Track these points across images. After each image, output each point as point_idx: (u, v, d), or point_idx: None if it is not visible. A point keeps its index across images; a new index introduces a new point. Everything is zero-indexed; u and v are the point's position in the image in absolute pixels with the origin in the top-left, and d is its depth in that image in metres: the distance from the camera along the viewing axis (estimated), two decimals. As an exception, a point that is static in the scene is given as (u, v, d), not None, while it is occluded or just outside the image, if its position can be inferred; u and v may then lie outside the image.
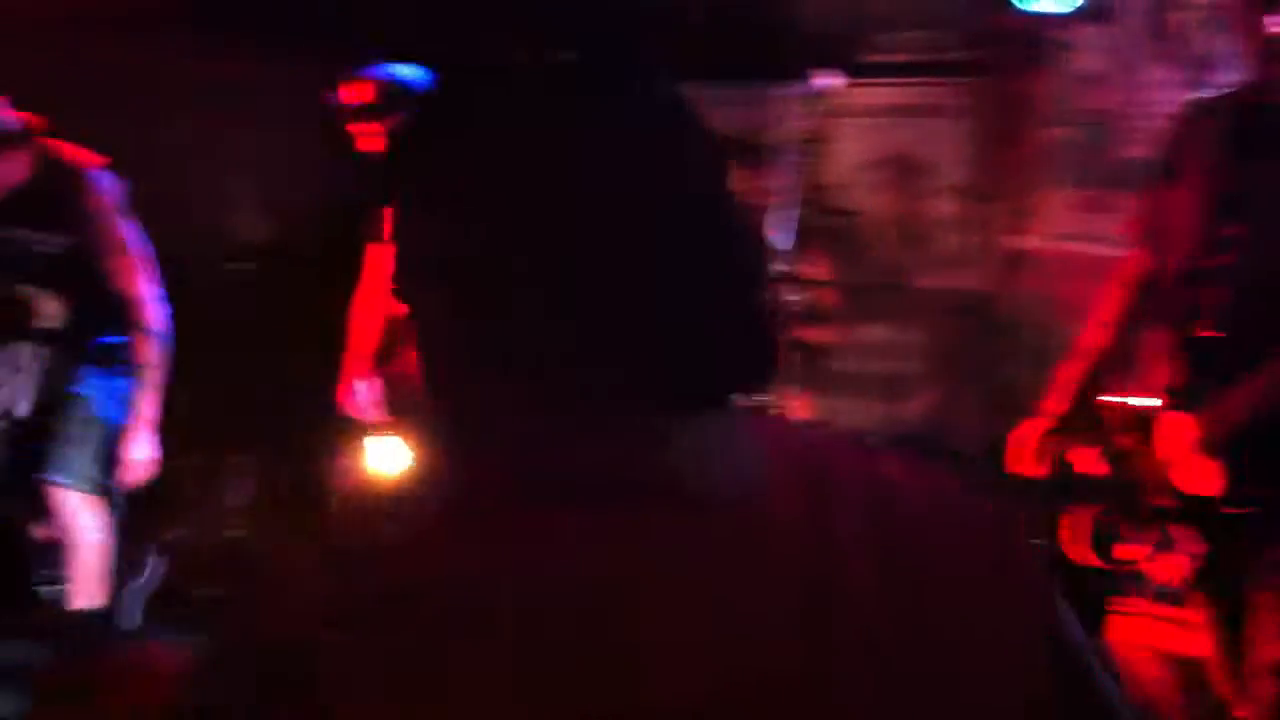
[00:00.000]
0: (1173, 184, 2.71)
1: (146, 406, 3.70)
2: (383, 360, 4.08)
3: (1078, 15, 4.82)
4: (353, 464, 4.11)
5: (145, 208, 4.17)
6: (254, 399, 5.35)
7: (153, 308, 3.70)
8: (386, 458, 4.14)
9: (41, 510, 3.63)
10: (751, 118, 4.91)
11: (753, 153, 4.55)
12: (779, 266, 4.25)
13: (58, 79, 4.31)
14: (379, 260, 4.12)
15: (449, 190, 0.88)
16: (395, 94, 3.75)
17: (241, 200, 5.78)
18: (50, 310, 3.61)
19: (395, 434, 4.08)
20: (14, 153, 3.42)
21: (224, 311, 5.36)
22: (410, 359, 3.76)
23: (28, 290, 3.57)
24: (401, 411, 4.07)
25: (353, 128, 3.76)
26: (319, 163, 5.04)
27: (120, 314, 3.73)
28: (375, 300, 4.13)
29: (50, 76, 4.20)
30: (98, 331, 3.76)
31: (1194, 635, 2.65)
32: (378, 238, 4.10)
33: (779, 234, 4.30)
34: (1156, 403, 2.67)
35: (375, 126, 3.74)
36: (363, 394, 4.07)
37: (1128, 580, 2.75)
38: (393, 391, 4.07)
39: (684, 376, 0.86)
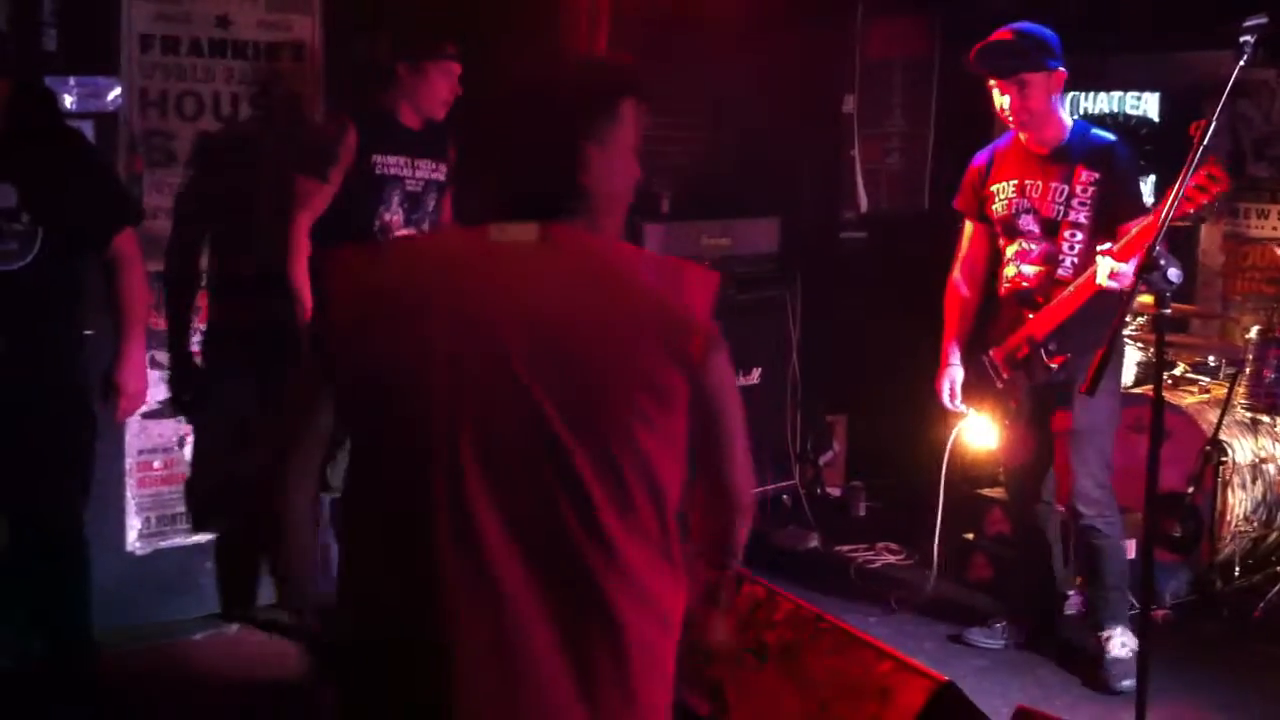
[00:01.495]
0: None
1: None
2: (978, 344, 4.03)
3: None
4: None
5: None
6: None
7: None
8: (977, 436, 4.12)
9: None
10: None
11: None
12: None
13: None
14: (973, 237, 4.09)
15: None
16: (1031, 45, 3.73)
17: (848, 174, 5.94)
18: None
19: (980, 415, 4.04)
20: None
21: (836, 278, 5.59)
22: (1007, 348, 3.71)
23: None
24: (982, 397, 4.02)
25: (986, 82, 3.82)
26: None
27: None
28: (969, 279, 4.09)
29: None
30: None
31: None
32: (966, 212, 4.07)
33: None
34: None
35: (1005, 84, 3.75)
36: (951, 378, 4.05)
37: None
38: (977, 377, 4.02)
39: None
